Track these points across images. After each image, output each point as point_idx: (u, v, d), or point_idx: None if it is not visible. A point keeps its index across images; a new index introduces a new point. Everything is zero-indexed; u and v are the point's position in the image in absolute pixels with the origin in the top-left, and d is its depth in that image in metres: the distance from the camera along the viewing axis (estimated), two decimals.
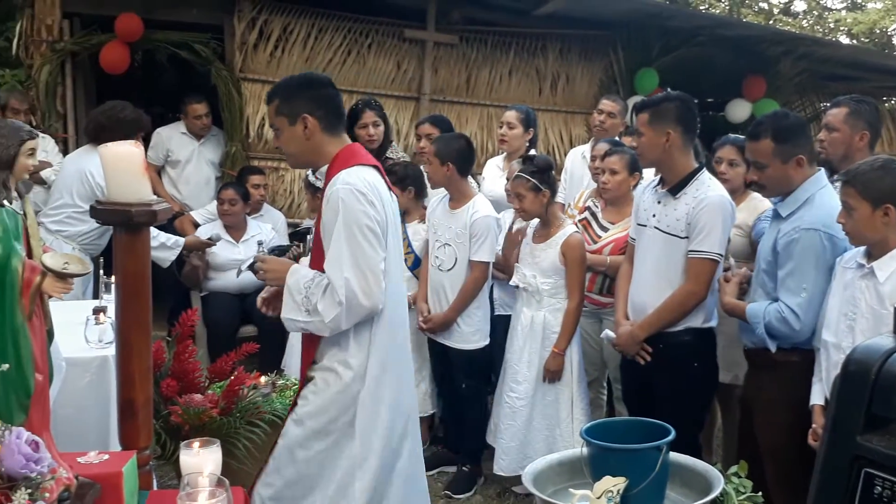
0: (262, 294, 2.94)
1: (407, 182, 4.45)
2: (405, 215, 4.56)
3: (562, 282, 3.84)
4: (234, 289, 5.39)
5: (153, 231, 3.44)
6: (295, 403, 2.78)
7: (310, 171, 4.86)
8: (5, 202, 1.69)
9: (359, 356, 2.65)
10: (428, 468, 4.34)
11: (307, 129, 2.68)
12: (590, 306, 4.17)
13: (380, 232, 2.60)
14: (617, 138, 4.93)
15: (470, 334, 4.18)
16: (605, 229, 4.19)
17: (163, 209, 1.95)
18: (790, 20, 17.67)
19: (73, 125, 6.18)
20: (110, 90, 7.15)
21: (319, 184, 4.70)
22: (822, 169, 3.22)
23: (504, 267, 4.30)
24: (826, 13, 18.25)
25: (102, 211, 1.90)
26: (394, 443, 2.74)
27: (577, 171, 5.23)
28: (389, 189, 2.79)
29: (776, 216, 3.19)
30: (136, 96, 8.58)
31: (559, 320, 3.85)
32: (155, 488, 2.26)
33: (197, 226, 5.69)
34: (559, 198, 4.52)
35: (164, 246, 4.86)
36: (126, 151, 1.88)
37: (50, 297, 1.73)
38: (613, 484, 1.94)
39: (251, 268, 5.24)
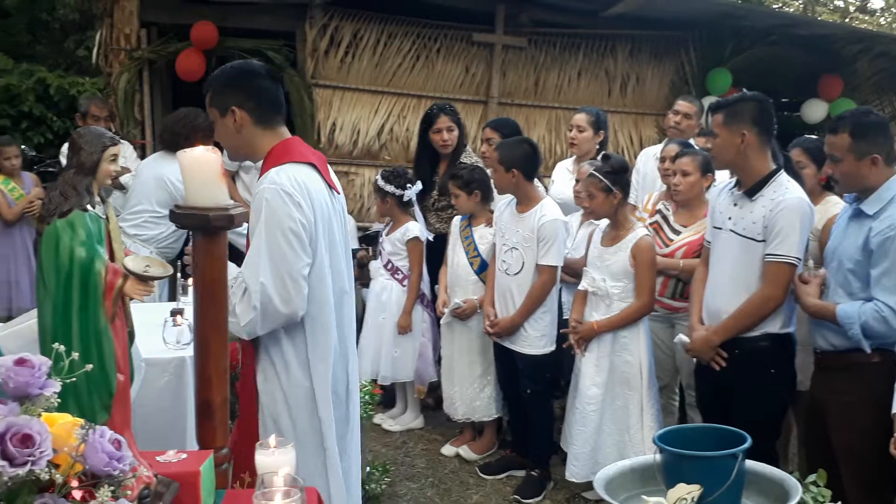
0: None
1: (472, 186, 4.45)
2: (471, 219, 4.57)
3: (632, 285, 3.78)
4: None
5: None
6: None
7: (379, 176, 4.90)
8: (89, 207, 1.75)
9: (294, 359, 2.54)
10: (496, 472, 4.37)
11: (236, 122, 2.52)
12: (661, 311, 4.11)
13: (305, 235, 2.43)
14: (691, 140, 4.85)
15: (537, 339, 4.15)
16: (676, 232, 4.12)
17: (239, 213, 1.98)
18: (867, 18, 17.13)
19: (151, 131, 6.37)
20: (185, 97, 7.34)
21: (389, 188, 4.76)
22: None
23: (573, 271, 4.27)
24: None
25: (181, 215, 1.94)
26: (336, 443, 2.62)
27: (649, 172, 5.16)
28: (331, 187, 2.64)
29: (858, 215, 3.09)
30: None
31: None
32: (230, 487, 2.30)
33: None
34: (630, 199, 4.46)
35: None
36: (204, 157, 1.92)
37: (131, 299, 1.78)
38: (688, 492, 1.91)
39: None
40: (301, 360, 2.53)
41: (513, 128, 4.93)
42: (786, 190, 3.24)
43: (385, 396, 4.98)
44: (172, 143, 4.66)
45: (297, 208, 2.41)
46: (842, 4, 17.39)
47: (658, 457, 2.11)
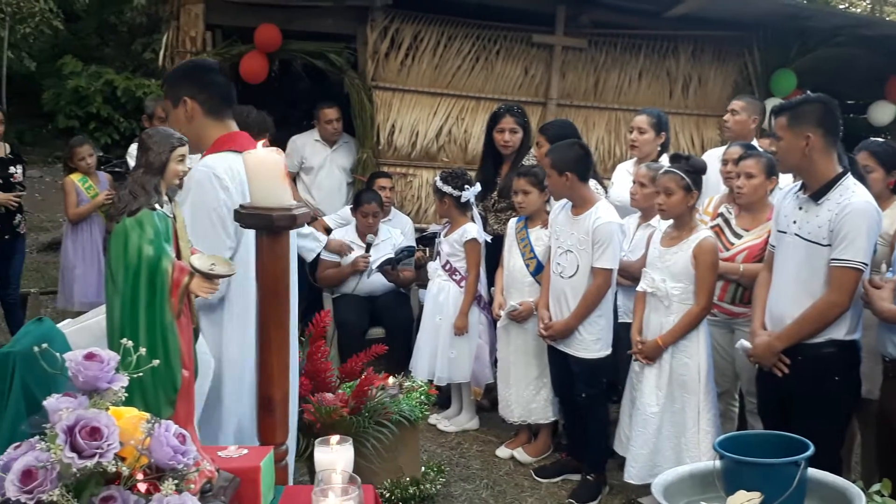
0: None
1: (542, 186, 4.45)
2: (528, 221, 4.56)
3: (692, 287, 3.73)
4: (363, 291, 5.52)
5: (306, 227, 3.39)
6: None
7: (437, 177, 4.92)
8: (157, 206, 1.79)
9: (211, 340, 2.55)
10: (551, 475, 4.36)
11: (187, 112, 2.68)
12: (721, 316, 4.05)
13: (229, 219, 2.49)
14: (753, 142, 4.77)
15: (591, 342, 4.13)
16: (738, 236, 4.06)
17: (302, 213, 2.01)
18: None
19: None
20: (248, 99, 7.45)
21: (446, 189, 4.78)
22: None
23: (629, 274, 4.23)
24: None
25: (246, 215, 1.98)
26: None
27: (710, 175, 5.08)
28: None
29: None
30: (272, 105, 8.96)
31: None
32: (290, 483, 2.34)
33: (329, 230, 5.86)
34: None
35: (313, 237, 4.99)
36: (268, 158, 1.95)
37: (196, 296, 1.81)
38: (748, 499, 1.89)
39: (381, 269, 5.44)
40: (215, 339, 2.59)
41: (558, 129, 4.88)
42: (852, 193, 3.18)
43: (440, 397, 5.00)
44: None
45: (224, 191, 2.53)
46: None
47: (718, 463, 2.09)
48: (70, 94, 11.25)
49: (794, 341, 3.27)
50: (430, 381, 4.59)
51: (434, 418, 5.05)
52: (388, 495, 3.75)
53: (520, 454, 4.60)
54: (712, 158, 5.15)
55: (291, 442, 2.74)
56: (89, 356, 1.55)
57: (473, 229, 4.81)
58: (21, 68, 11.36)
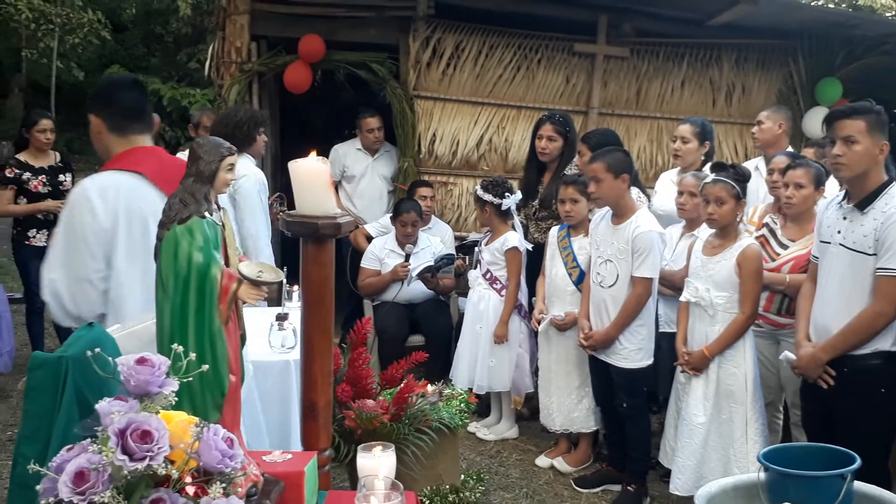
0: None
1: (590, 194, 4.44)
2: (570, 229, 4.55)
3: (737, 296, 3.69)
4: (403, 298, 5.55)
5: None
6: None
7: (478, 186, 4.94)
8: (207, 214, 1.82)
9: None
10: (591, 485, 4.34)
11: (93, 128, 2.70)
12: (766, 327, 4.00)
13: (95, 242, 2.50)
14: (788, 149, 4.72)
15: (633, 352, 4.10)
16: (784, 247, 4.01)
17: (346, 222, 2.03)
18: None
19: None
20: (291, 109, 7.55)
21: (487, 197, 4.79)
22: None
23: (671, 283, 4.20)
24: None
25: (292, 223, 2.01)
26: None
27: (751, 184, 5.03)
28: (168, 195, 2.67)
29: None
30: (314, 115, 9.06)
31: None
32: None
33: (370, 239, 5.90)
34: None
35: None
36: (314, 167, 1.98)
37: (244, 303, 1.84)
38: None
39: (421, 277, 5.47)
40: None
41: (601, 138, 4.85)
42: None
43: (479, 405, 5.00)
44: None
45: (90, 214, 2.51)
46: None
47: (762, 475, 2.07)
48: None
49: (840, 352, 3.22)
50: (470, 390, 4.59)
51: (473, 426, 5.05)
52: (427, 502, 3.76)
53: (560, 464, 4.59)
54: (751, 167, 5.12)
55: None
56: (141, 360, 1.58)
57: (514, 238, 4.81)
58: (70, 78, 11.61)
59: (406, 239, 5.57)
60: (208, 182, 1.83)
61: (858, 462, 1.96)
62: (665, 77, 6.82)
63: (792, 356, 3.43)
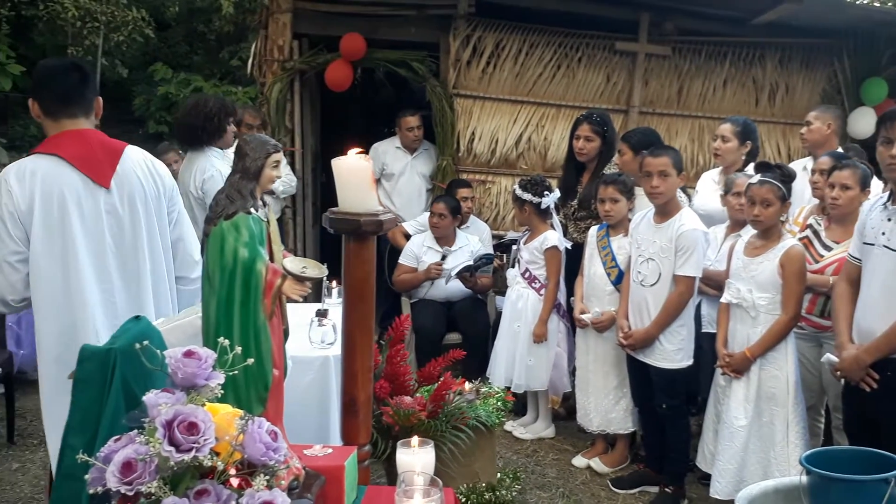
0: None
1: (630, 194, 4.41)
2: (609, 229, 4.52)
3: (779, 297, 3.64)
4: (441, 296, 5.56)
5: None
6: None
7: (516, 185, 4.92)
8: (252, 210, 1.85)
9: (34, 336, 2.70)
10: (628, 486, 4.31)
11: (32, 111, 2.78)
12: (809, 329, 3.95)
13: (9, 224, 2.60)
14: (838, 150, 4.65)
15: (673, 353, 4.07)
16: (827, 248, 3.96)
17: (388, 219, 2.05)
18: None
19: (300, 140, 6.62)
20: (331, 107, 7.60)
21: (526, 196, 4.78)
22: None
23: (715, 283, 4.16)
24: None
25: (335, 220, 2.03)
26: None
27: (797, 184, 4.97)
28: (95, 182, 2.73)
29: None
30: (355, 112, 9.11)
31: None
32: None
33: (408, 236, 5.93)
34: None
35: None
36: (356, 164, 2.00)
37: (288, 298, 1.87)
38: None
39: (459, 276, 5.47)
40: (37, 339, 2.70)
41: (641, 136, 4.82)
42: None
43: (515, 404, 4.99)
44: (194, 138, 4.46)
45: (8, 197, 2.61)
46: None
47: (804, 478, 2.05)
48: (160, 101, 11.62)
49: (883, 355, 3.17)
50: (508, 388, 4.58)
51: (510, 425, 5.05)
52: (464, 500, 3.76)
53: (596, 464, 4.57)
54: (798, 167, 5.05)
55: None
56: (188, 354, 1.61)
57: (554, 237, 4.80)
58: (114, 75, 11.78)
59: (435, 230, 5.59)
60: (254, 178, 1.86)
61: None
62: (707, 76, 6.75)
63: (834, 358, 3.39)
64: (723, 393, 3.81)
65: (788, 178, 3.71)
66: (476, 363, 5.08)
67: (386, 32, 6.48)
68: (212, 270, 1.80)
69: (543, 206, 4.80)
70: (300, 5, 6.41)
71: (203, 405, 1.59)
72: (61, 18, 9.78)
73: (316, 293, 4.52)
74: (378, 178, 6.45)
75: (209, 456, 1.53)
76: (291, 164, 6.52)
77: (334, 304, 3.83)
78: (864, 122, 6.63)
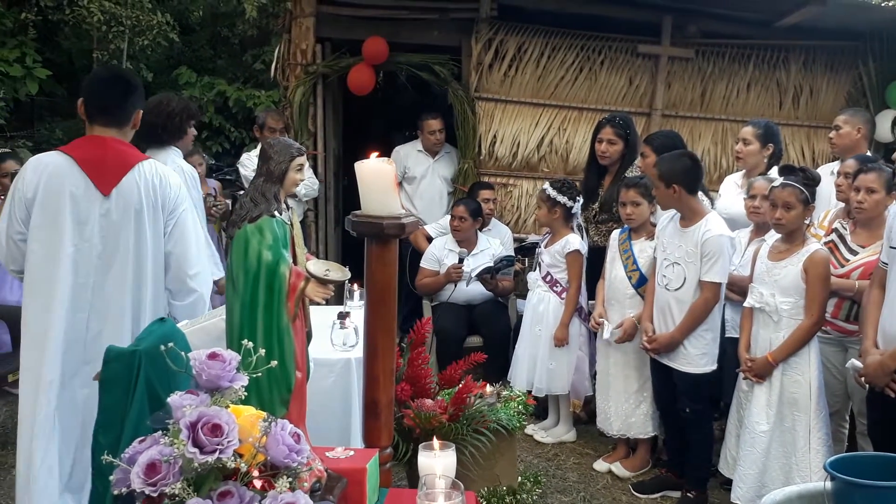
0: None
1: (652, 197, 4.40)
2: (631, 232, 4.51)
3: (802, 301, 3.61)
4: (462, 299, 5.56)
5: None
6: None
7: (549, 186, 4.88)
8: (276, 213, 1.86)
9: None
10: (650, 491, 4.29)
11: (78, 109, 3.05)
12: (834, 334, 3.92)
13: (19, 208, 2.93)
14: (868, 153, 4.60)
15: (697, 357, 4.04)
16: (853, 252, 3.92)
17: (411, 222, 2.06)
18: None
19: (323, 143, 6.65)
20: (353, 110, 7.63)
21: (561, 199, 4.76)
22: None
23: (739, 288, 4.13)
24: None
25: (358, 223, 2.04)
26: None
27: (824, 188, 4.92)
28: (97, 186, 2.95)
29: None
30: (377, 116, 9.13)
31: None
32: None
33: (430, 239, 5.94)
34: None
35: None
36: (379, 168, 2.01)
37: (311, 301, 1.88)
38: None
39: (480, 278, 5.48)
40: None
41: (664, 140, 4.81)
42: None
43: (536, 408, 4.99)
44: (154, 137, 4.21)
45: (22, 182, 2.94)
46: None
47: (828, 484, 2.03)
48: None
49: None
50: (529, 392, 4.58)
51: (531, 429, 5.04)
52: (484, 503, 3.76)
53: (618, 468, 4.55)
54: (824, 172, 5.00)
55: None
56: (212, 356, 1.62)
57: (576, 240, 4.79)
58: (139, 79, 11.90)
59: (455, 233, 5.60)
60: (278, 182, 1.88)
61: None
62: (730, 79, 6.70)
63: (858, 364, 3.36)
64: (745, 398, 3.79)
65: (812, 181, 3.67)
66: (497, 366, 5.07)
67: (408, 36, 6.49)
68: (235, 273, 1.81)
69: (574, 210, 4.80)
70: (323, 9, 6.45)
71: (227, 407, 1.60)
72: (87, 23, 9.87)
73: (338, 296, 4.53)
74: (400, 182, 6.46)
75: (233, 457, 1.54)
76: (314, 168, 6.54)
77: (356, 307, 3.84)
78: (889, 125, 6.57)
